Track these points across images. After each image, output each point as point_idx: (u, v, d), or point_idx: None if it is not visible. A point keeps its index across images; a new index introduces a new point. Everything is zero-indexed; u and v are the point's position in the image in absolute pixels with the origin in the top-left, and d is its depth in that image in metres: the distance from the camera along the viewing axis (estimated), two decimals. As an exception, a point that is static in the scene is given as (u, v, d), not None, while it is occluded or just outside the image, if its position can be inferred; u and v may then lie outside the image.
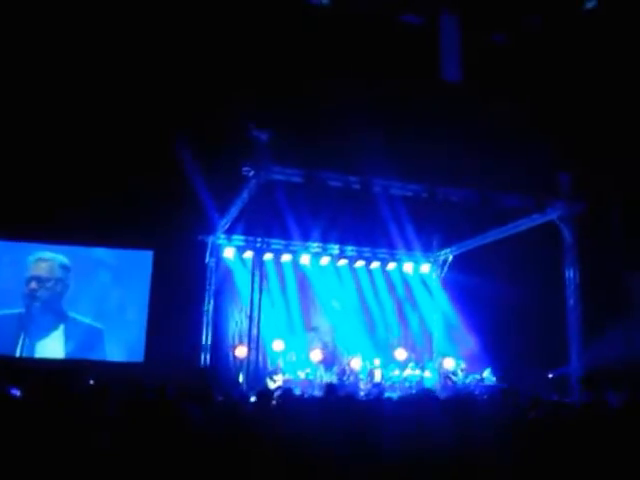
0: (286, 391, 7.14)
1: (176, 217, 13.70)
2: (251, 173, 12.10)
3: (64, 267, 15.14)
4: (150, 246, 15.46)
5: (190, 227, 14.85)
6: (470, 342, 15.95)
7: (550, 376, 14.20)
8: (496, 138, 12.24)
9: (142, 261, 15.66)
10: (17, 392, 5.54)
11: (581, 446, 4.73)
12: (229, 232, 16.07)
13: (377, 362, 15.49)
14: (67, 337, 14.84)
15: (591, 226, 13.18)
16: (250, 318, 11.81)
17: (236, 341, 16.20)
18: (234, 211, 14.29)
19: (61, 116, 11.99)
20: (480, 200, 12.64)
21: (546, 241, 14.01)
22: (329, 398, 6.81)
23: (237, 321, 16.38)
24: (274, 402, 6.05)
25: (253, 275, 12.02)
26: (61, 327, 14.86)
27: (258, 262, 12.71)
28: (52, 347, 14.73)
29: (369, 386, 14.50)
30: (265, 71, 12.07)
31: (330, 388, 7.42)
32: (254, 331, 11.82)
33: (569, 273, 13.26)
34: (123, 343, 15.28)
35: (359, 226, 15.46)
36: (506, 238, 14.87)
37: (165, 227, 13.93)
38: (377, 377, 14.97)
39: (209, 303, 16.09)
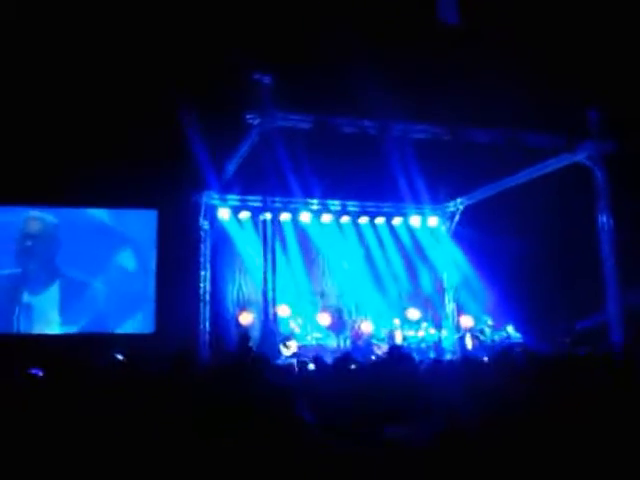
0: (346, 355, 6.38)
1: (177, 175, 12.59)
2: (256, 121, 11.05)
3: (55, 225, 14.51)
4: (152, 206, 14.29)
5: (191, 186, 13.72)
6: (488, 297, 15.09)
7: (577, 327, 13.44)
8: (519, 76, 11.34)
9: (145, 222, 14.56)
10: (39, 372, 5.29)
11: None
12: (223, 191, 14.87)
13: (397, 322, 14.54)
14: (65, 295, 14.26)
15: (622, 166, 12.30)
16: (264, 281, 10.78)
17: (237, 307, 15.17)
18: (232, 167, 13.15)
19: (51, 70, 10.59)
20: (506, 140, 11.68)
21: (561, 189, 13.14)
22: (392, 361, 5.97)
23: (238, 286, 15.30)
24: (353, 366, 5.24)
25: (265, 237, 11.00)
26: (57, 283, 14.31)
27: (264, 223, 11.63)
28: (51, 302, 14.21)
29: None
30: (264, 12, 11.04)
31: (395, 351, 6.56)
32: (269, 295, 10.80)
33: (602, 218, 12.24)
34: (131, 313, 14.34)
35: (363, 179, 14.36)
36: (519, 186, 13.96)
37: (166, 186, 12.78)
38: (398, 338, 14.01)
39: (205, 268, 14.94)
